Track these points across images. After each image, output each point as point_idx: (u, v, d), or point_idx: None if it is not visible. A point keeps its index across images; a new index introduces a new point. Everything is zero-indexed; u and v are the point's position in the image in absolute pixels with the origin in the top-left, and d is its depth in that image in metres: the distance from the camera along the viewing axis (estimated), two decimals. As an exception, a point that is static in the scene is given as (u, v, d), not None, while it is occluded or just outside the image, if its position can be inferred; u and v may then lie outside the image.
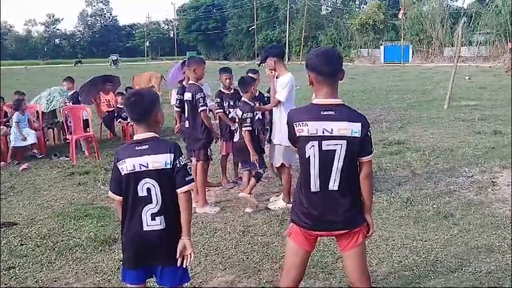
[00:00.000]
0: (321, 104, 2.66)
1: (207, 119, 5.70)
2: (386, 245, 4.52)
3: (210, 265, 4.22)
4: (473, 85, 20.03)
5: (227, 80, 6.62)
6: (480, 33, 42.17)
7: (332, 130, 2.60)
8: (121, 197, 2.72)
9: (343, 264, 4.02)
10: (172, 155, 2.67)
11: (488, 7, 42.24)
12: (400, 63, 41.83)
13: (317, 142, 2.62)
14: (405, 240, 4.63)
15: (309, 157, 2.66)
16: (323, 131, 2.61)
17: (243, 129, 5.62)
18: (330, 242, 4.43)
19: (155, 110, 2.74)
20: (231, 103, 6.54)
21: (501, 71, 26.92)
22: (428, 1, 47.68)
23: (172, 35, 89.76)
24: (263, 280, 3.94)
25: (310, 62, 2.69)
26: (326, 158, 2.63)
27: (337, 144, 2.62)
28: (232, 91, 6.62)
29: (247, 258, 4.35)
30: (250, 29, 60.73)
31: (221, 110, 6.55)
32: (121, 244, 2.92)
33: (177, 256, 2.70)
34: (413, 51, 45.77)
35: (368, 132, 2.67)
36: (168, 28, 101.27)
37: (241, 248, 4.56)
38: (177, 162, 2.68)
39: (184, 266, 2.72)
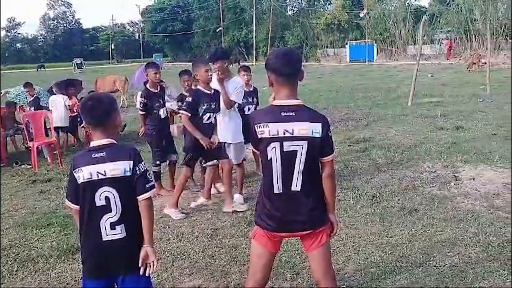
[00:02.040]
0: (281, 105, 2.66)
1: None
2: (353, 243, 4.56)
3: (177, 270, 4.16)
4: (435, 82, 20.50)
5: (186, 83, 6.59)
6: (441, 31, 43.24)
7: (293, 131, 2.61)
8: (78, 206, 2.65)
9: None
10: (131, 161, 2.60)
11: (449, 5, 43.34)
12: (365, 61, 42.50)
13: (279, 143, 2.62)
14: (371, 237, 4.68)
15: (271, 158, 2.65)
16: (284, 132, 2.61)
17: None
18: (297, 242, 4.42)
19: (113, 115, 2.67)
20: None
21: (462, 68, 27.65)
22: (390, 1, 48.62)
23: (137, 37, 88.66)
24: (231, 283, 3.91)
25: (270, 63, 2.68)
26: (288, 159, 2.63)
27: (298, 145, 2.62)
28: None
29: (215, 261, 4.32)
30: (217, 30, 60.56)
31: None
32: None
33: (140, 265, 2.64)
34: (377, 50, 46.53)
35: (329, 132, 2.68)
36: (133, 30, 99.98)
37: (209, 251, 4.52)
38: (137, 168, 2.61)
39: (147, 274, 2.67)
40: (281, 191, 2.67)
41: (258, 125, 2.65)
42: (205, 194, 5.98)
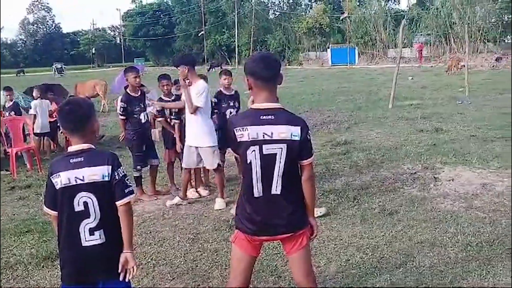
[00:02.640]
0: (260, 108, 2.67)
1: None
2: (334, 245, 4.58)
3: (158, 275, 4.13)
4: (415, 85, 20.76)
5: (165, 87, 6.57)
6: (421, 35, 43.83)
7: (272, 134, 2.61)
8: (57, 212, 2.62)
9: (292, 266, 4.06)
10: (110, 167, 2.58)
11: (428, 9, 43.97)
12: (347, 65, 42.86)
13: (258, 146, 2.62)
14: (352, 239, 4.71)
15: (250, 162, 2.65)
16: (263, 136, 2.61)
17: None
18: (279, 246, 4.43)
19: (91, 120, 2.65)
20: (173, 110, 6.48)
21: (441, 71, 28.07)
22: (370, 5, 49.18)
23: (118, 42, 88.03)
24: (213, 287, 3.90)
25: (249, 67, 2.69)
26: (267, 162, 2.64)
27: (277, 148, 2.63)
28: (173, 98, 6.57)
29: (197, 266, 4.30)
30: (199, 34, 60.50)
31: (163, 118, 6.50)
32: None
33: (119, 270, 2.62)
34: (359, 53, 46.99)
35: (308, 135, 2.70)
36: (114, 34, 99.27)
37: (190, 256, 4.50)
38: (116, 174, 2.59)
39: (126, 280, 2.65)
40: (261, 194, 2.67)
41: (237, 128, 2.65)
42: (181, 194, 6.09)
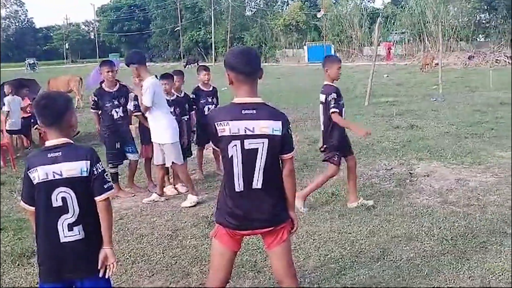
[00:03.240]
0: (241, 103, 2.66)
1: None
2: (313, 240, 4.62)
3: (137, 272, 4.10)
4: (391, 82, 21.04)
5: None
6: (396, 33, 44.41)
7: (253, 128, 2.61)
8: (34, 208, 2.57)
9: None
10: (89, 162, 2.55)
11: (403, 7, 44.58)
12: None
13: (239, 141, 2.62)
14: (331, 234, 4.75)
15: (232, 156, 2.65)
16: (245, 130, 2.61)
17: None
18: (259, 241, 4.44)
19: (68, 114, 2.59)
20: None
21: (416, 69, 28.51)
22: (345, 3, 49.60)
23: (93, 37, 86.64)
24: (193, 283, 3.89)
25: (229, 61, 2.68)
26: (249, 157, 2.64)
27: (259, 143, 2.63)
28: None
29: (176, 262, 4.28)
30: (174, 30, 60.03)
31: (140, 113, 6.42)
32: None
33: (99, 267, 2.59)
34: (335, 51, 47.28)
35: (289, 130, 2.71)
36: (88, 29, 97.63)
37: (169, 252, 4.47)
38: (94, 169, 2.56)
39: (106, 277, 2.62)
40: (242, 189, 2.67)
41: (219, 123, 2.63)
42: (158, 191, 6.06)
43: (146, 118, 6.48)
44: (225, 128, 2.62)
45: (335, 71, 5.28)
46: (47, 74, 32.12)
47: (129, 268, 4.17)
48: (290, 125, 2.74)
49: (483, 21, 41.75)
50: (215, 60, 47.87)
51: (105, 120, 6.27)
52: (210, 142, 6.94)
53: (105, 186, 2.59)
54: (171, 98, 6.36)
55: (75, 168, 2.52)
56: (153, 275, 4.05)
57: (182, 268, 4.15)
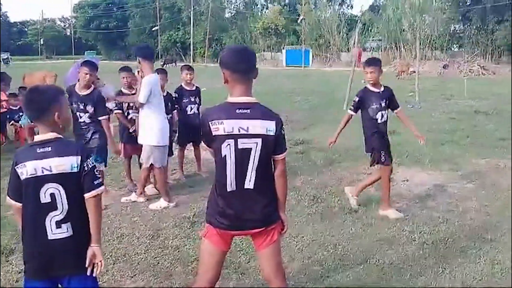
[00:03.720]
0: (236, 102, 2.64)
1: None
2: (296, 242, 4.62)
3: (118, 272, 4.02)
4: (368, 88, 21.23)
5: (125, 80, 6.40)
6: (373, 40, 45.00)
7: (247, 128, 2.60)
8: (20, 204, 2.50)
9: (256, 263, 4.06)
10: (79, 157, 2.48)
11: (380, 15, 45.20)
12: (301, 66, 43.39)
13: (233, 140, 2.60)
14: (314, 236, 4.76)
15: (225, 156, 2.62)
16: (239, 130, 2.59)
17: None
18: (241, 242, 4.43)
19: (56, 107, 2.51)
20: (131, 104, 6.31)
21: (392, 76, 28.88)
22: (324, 9, 50.07)
23: (69, 33, 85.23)
24: (176, 284, 3.84)
25: (225, 60, 2.66)
26: (242, 156, 2.62)
27: (253, 142, 2.61)
28: (134, 92, 6.38)
29: (158, 263, 4.22)
30: (153, 29, 59.50)
31: (120, 111, 6.32)
32: (19, 255, 2.67)
33: (87, 265, 2.53)
34: (313, 56, 47.68)
35: (282, 130, 2.71)
36: (64, 26, 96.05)
37: (151, 253, 4.40)
38: (85, 165, 2.50)
39: (94, 275, 2.56)
40: (234, 188, 2.65)
41: (213, 122, 2.61)
42: (138, 190, 5.96)
43: (125, 117, 6.39)
44: (219, 127, 2.60)
45: (365, 75, 5.43)
46: (21, 69, 31.40)
47: (111, 268, 4.08)
48: (283, 126, 2.73)
49: (458, 32, 42.74)
50: (193, 60, 47.62)
51: (74, 123, 5.75)
52: (191, 143, 6.98)
53: (95, 183, 2.53)
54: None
55: (65, 163, 2.46)
56: (135, 275, 3.98)
57: (164, 269, 4.09)
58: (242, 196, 2.66)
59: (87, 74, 5.73)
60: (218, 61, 2.73)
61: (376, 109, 5.35)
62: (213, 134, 2.61)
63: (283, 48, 49.34)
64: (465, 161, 7.78)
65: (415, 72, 19.84)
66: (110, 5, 70.96)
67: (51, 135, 2.50)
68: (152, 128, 5.61)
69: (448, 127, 11.03)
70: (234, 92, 2.65)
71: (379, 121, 5.39)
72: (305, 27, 47.73)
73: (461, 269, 4.07)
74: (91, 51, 64.89)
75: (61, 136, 2.54)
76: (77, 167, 2.47)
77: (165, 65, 39.93)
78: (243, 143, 2.60)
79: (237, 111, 2.60)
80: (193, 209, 5.53)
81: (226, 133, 2.59)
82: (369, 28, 44.83)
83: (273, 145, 2.67)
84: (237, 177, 2.64)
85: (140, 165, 6.15)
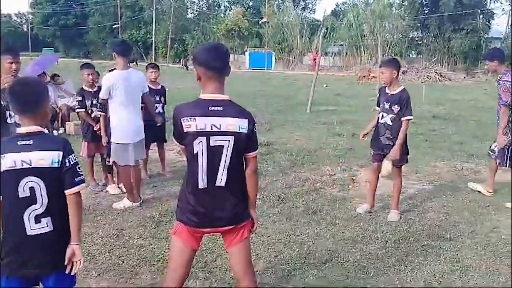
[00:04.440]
0: (209, 99, 2.64)
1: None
2: (262, 241, 4.64)
3: (82, 272, 3.91)
4: (330, 92, 21.59)
5: (90, 77, 6.27)
6: (334, 45, 45.74)
7: (220, 125, 2.60)
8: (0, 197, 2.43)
9: (222, 262, 4.07)
10: (61, 153, 2.44)
11: (341, 21, 46.02)
12: (264, 69, 43.60)
13: (205, 138, 2.59)
14: (279, 236, 4.80)
15: (197, 153, 2.61)
16: (211, 127, 2.59)
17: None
18: (208, 242, 4.42)
19: (43, 101, 2.49)
20: (94, 102, 6.19)
21: (353, 80, 29.48)
22: (287, 12, 50.53)
23: (26, 30, 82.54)
24: (141, 283, 3.79)
25: (198, 56, 2.65)
26: (214, 154, 2.62)
27: (225, 140, 2.62)
28: (95, 89, 6.26)
29: (123, 262, 4.15)
30: (113, 27, 58.46)
31: (83, 110, 6.20)
32: None
33: (66, 263, 2.48)
34: (276, 59, 47.98)
35: (254, 128, 2.73)
36: (21, 21, 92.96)
37: (116, 252, 4.33)
38: (67, 160, 2.45)
39: (72, 273, 2.52)
40: (205, 186, 2.65)
41: (185, 118, 2.59)
42: (130, 197, 5.66)
43: (89, 115, 6.26)
44: (191, 124, 2.59)
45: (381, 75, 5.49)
46: (-26, 65, 30.22)
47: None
48: (255, 124, 2.75)
49: (416, 38, 43.95)
50: (155, 60, 47.01)
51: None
52: (155, 143, 6.90)
53: (76, 179, 2.48)
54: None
55: (46, 158, 2.40)
56: (99, 274, 3.91)
57: (129, 268, 4.03)
58: (213, 194, 2.66)
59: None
60: (192, 58, 2.72)
61: (381, 108, 5.46)
62: (185, 131, 2.60)
63: (246, 51, 49.44)
64: (425, 163, 8.01)
65: (375, 77, 20.28)
66: (69, 1, 69.22)
67: (35, 128, 2.45)
68: (113, 125, 5.52)
69: (408, 131, 11.29)
70: (207, 89, 2.65)
71: (379, 120, 5.49)
72: (268, 30, 48.05)
73: (423, 267, 4.20)
74: (49, 48, 63.07)
75: (45, 130, 2.49)
76: (58, 162, 2.42)
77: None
78: (215, 141, 2.60)
79: (209, 108, 2.60)
80: (158, 209, 5.47)
81: (198, 130, 2.58)
82: (331, 33, 45.56)
83: (245, 143, 2.68)
84: (208, 174, 2.64)
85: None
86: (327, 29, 45.02)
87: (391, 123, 5.39)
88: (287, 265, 4.16)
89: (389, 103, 5.34)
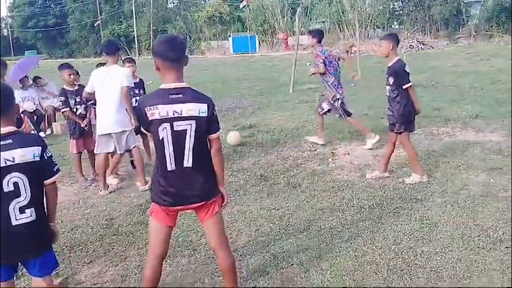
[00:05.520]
0: (169, 88, 2.87)
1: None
2: (244, 218, 4.91)
3: (74, 260, 4.19)
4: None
5: (71, 76, 6.47)
6: (316, 22, 45.67)
7: (181, 111, 2.83)
8: None
9: (205, 240, 4.33)
10: (40, 147, 2.72)
11: (321, -3, 45.93)
12: (249, 53, 43.56)
13: (169, 124, 2.82)
14: (260, 211, 5.07)
15: (162, 138, 2.85)
16: (173, 113, 2.82)
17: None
18: (193, 223, 4.68)
19: (14, 103, 2.76)
20: (78, 100, 6.42)
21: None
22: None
23: (6, 34, 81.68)
24: (131, 265, 4.05)
25: (155, 48, 2.88)
26: (179, 138, 2.85)
27: (187, 124, 2.85)
28: (76, 88, 6.49)
29: (113, 248, 4.41)
30: (94, 24, 57.99)
31: (67, 109, 6.40)
32: None
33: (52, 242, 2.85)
34: (259, 41, 47.89)
35: (214, 111, 2.95)
36: (0, 26, 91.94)
37: (106, 240, 4.59)
38: (45, 153, 2.74)
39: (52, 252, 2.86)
40: (174, 168, 2.89)
41: (148, 108, 2.82)
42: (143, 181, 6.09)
43: (74, 113, 6.47)
44: (155, 112, 2.82)
45: None
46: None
47: (67, 257, 4.25)
48: (215, 107, 2.98)
49: (397, 9, 43.98)
50: (139, 53, 46.88)
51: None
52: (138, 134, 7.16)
53: (54, 169, 2.81)
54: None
55: (27, 153, 2.66)
56: (91, 261, 4.17)
57: (119, 253, 4.29)
58: (182, 175, 2.91)
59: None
60: (151, 50, 2.94)
61: (385, 81, 5.76)
62: (149, 119, 2.83)
63: (229, 36, 49.30)
64: (402, 131, 8.27)
65: (356, 51, 20.48)
66: (47, 1, 68.48)
67: (11, 128, 2.70)
68: (98, 118, 6.01)
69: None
70: (166, 79, 2.88)
71: (386, 93, 5.81)
72: (249, 13, 47.87)
73: (394, 227, 4.48)
74: (31, 51, 62.50)
75: (18, 129, 2.75)
76: (39, 156, 2.71)
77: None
78: (178, 126, 2.83)
79: (170, 96, 2.83)
80: (144, 197, 5.71)
81: (161, 117, 2.81)
82: (312, 11, 45.44)
83: (207, 125, 2.91)
84: (176, 157, 2.88)
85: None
86: (307, 7, 44.94)
87: (388, 95, 5.75)
88: (267, 237, 4.44)
89: (387, 76, 5.69)
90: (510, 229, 4.27)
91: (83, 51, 62.72)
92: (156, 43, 2.93)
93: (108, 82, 5.85)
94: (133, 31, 52.41)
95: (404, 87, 5.59)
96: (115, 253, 4.31)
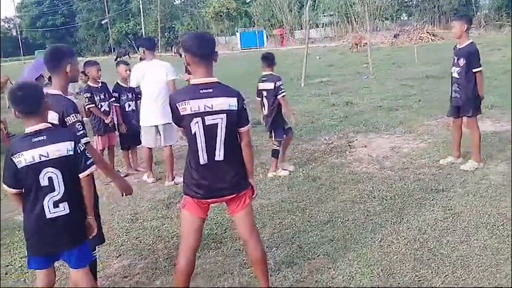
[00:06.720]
0: (199, 83, 2.92)
1: None
2: (267, 210, 4.96)
3: (103, 255, 4.26)
4: (323, 64, 21.77)
5: (99, 72, 6.51)
6: (324, 16, 45.56)
7: (212, 106, 2.88)
8: (16, 190, 2.77)
9: (231, 233, 4.39)
10: (73, 142, 2.79)
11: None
12: (257, 48, 43.55)
13: (200, 118, 2.88)
14: (282, 204, 5.12)
15: (195, 133, 2.90)
16: (204, 108, 2.87)
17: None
18: (217, 216, 4.74)
19: (44, 100, 2.79)
20: (102, 97, 6.49)
21: (345, 49, 29.54)
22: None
23: (14, 34, 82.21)
24: (160, 258, 4.12)
25: (186, 45, 2.94)
26: (210, 131, 2.91)
27: (218, 118, 2.90)
28: (100, 84, 6.56)
29: (140, 242, 4.48)
30: (102, 22, 58.28)
31: (93, 105, 6.45)
32: None
33: (88, 236, 2.92)
34: (267, 36, 47.87)
35: (244, 105, 3.00)
36: (9, 26, 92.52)
37: (133, 234, 4.66)
38: (78, 147, 2.80)
39: (90, 238, 2.95)
40: (206, 161, 2.94)
41: (180, 103, 2.88)
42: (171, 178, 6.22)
43: (99, 109, 6.51)
44: (186, 107, 2.87)
45: None
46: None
47: (96, 251, 4.30)
48: (244, 101, 3.03)
49: (406, 0, 43.76)
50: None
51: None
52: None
53: (88, 163, 2.85)
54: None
55: (61, 148, 2.74)
56: (120, 255, 4.25)
57: (147, 247, 4.36)
58: (214, 168, 2.96)
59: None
60: (181, 46, 3.00)
61: (452, 63, 5.77)
62: (181, 114, 2.89)
63: (237, 31, 49.31)
64: (418, 123, 8.30)
65: (367, 44, 20.41)
66: (54, 1, 68.86)
67: (43, 125, 2.77)
68: (142, 111, 6.36)
69: (401, 93, 11.58)
70: (196, 74, 2.94)
71: (452, 74, 5.83)
72: (257, 8, 47.82)
73: (417, 217, 4.51)
74: (41, 50, 62.90)
75: (50, 125, 2.81)
76: (72, 150, 2.78)
77: (118, 59, 39.31)
78: (209, 120, 2.89)
79: (200, 91, 2.89)
80: (166, 193, 5.80)
81: (193, 112, 2.87)
82: (321, 4, 45.32)
83: (237, 119, 2.96)
84: (207, 150, 2.93)
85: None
86: (315, 0, 44.79)
87: (458, 77, 5.73)
88: (291, 229, 4.48)
89: (457, 57, 5.69)
90: (534, 218, 4.29)
91: (91, 49, 63.02)
92: (186, 39, 2.99)
93: (151, 75, 6.05)
94: (141, 28, 52.63)
95: (474, 70, 5.61)
96: (142, 246, 4.38)
